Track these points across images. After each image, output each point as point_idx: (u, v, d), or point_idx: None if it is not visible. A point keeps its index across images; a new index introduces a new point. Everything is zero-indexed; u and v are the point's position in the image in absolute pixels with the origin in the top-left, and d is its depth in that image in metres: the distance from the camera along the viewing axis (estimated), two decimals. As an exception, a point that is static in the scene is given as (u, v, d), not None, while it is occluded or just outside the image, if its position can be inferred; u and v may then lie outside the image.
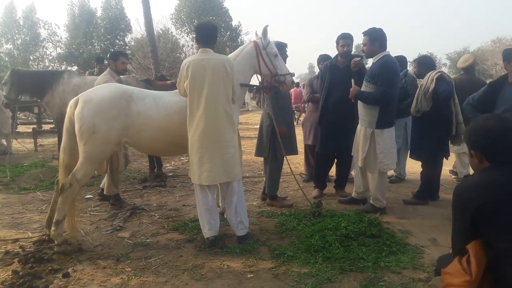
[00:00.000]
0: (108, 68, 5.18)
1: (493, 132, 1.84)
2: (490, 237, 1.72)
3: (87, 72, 9.77)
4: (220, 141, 3.59)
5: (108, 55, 5.52)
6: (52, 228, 3.59)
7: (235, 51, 4.21)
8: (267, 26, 4.06)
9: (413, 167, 6.91)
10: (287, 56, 5.01)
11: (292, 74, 4.03)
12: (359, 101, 4.62)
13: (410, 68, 6.39)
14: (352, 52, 5.44)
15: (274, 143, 4.79)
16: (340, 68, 5.18)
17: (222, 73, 3.53)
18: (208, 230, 3.71)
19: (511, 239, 1.63)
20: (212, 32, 3.74)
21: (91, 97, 3.60)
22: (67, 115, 3.65)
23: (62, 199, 3.56)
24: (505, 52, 4.26)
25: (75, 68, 32.26)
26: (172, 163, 7.89)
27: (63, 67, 32.92)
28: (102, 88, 3.78)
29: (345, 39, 5.12)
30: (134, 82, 6.37)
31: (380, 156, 4.46)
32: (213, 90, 3.52)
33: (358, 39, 4.83)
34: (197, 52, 3.82)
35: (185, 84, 3.62)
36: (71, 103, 3.66)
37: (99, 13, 36.56)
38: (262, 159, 5.30)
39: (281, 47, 4.75)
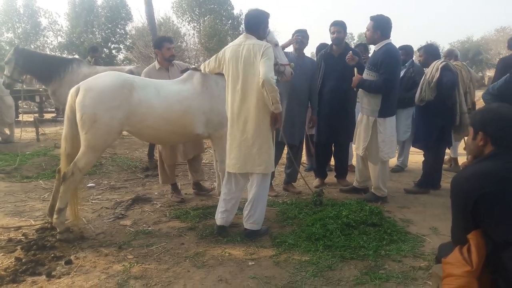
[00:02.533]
0: (155, 61, 5.00)
1: (507, 119, 1.85)
2: (488, 228, 1.71)
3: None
4: (248, 130, 3.52)
5: (152, 46, 5.20)
6: (54, 216, 3.60)
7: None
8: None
9: (415, 156, 6.91)
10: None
11: (291, 66, 3.98)
12: (361, 90, 4.60)
13: (414, 57, 6.33)
14: (354, 41, 5.42)
15: None
16: (334, 56, 5.15)
17: (252, 58, 3.40)
18: (220, 218, 3.73)
19: (510, 231, 1.62)
20: (253, 18, 3.63)
21: (92, 86, 3.57)
22: (68, 104, 3.62)
23: (64, 187, 3.57)
24: None
25: (76, 56, 32.14)
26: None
27: (65, 56, 32.79)
28: (104, 76, 3.75)
29: (336, 26, 5.07)
30: None
31: (381, 145, 4.45)
32: (245, 76, 3.46)
33: (363, 28, 4.77)
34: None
35: (221, 68, 3.67)
36: (72, 91, 3.63)
37: (99, 1, 36.33)
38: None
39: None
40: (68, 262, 3.18)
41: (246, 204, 3.71)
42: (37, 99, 12.35)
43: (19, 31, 35.91)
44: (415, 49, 6.24)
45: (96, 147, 3.61)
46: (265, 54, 3.37)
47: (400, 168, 6.35)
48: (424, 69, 5.28)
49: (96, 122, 3.48)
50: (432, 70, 4.84)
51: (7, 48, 33.79)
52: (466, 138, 2.05)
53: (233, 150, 3.61)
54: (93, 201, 4.85)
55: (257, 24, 3.61)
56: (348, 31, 5.57)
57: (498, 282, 1.69)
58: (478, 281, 1.69)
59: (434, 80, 4.74)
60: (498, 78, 5.73)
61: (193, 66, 4.30)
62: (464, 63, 5.70)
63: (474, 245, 1.72)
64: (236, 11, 36.74)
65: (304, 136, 5.41)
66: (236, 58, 3.50)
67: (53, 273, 3.03)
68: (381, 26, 4.43)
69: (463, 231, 1.81)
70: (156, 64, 4.94)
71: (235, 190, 3.74)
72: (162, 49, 4.84)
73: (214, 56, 3.82)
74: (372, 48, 4.77)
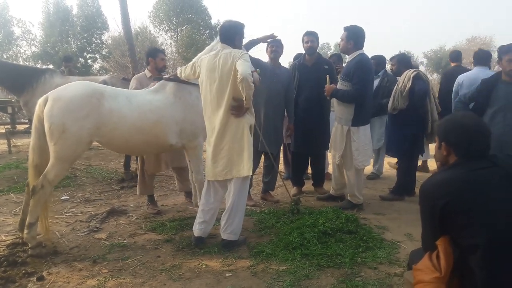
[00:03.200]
0: (146, 69, 5.06)
1: (468, 129, 1.89)
2: (455, 234, 1.76)
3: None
4: (225, 137, 3.57)
5: (146, 54, 5.34)
6: (25, 231, 3.50)
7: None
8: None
9: (390, 163, 7.03)
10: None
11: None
12: (335, 99, 4.67)
13: (387, 66, 6.48)
14: (331, 50, 5.51)
15: None
16: (308, 66, 5.22)
17: (229, 65, 3.47)
18: (197, 229, 3.71)
19: (475, 236, 1.66)
20: (228, 29, 3.68)
21: (60, 95, 3.50)
22: (36, 114, 3.54)
23: (34, 201, 3.46)
24: (499, 49, 4.18)
25: (50, 67, 31.54)
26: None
27: (39, 66, 32.13)
28: (73, 86, 3.67)
29: (308, 36, 5.16)
30: (119, 83, 6.26)
31: (355, 153, 4.52)
32: (221, 84, 3.52)
33: (337, 37, 4.87)
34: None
35: (196, 76, 3.74)
36: (40, 101, 3.55)
37: (75, 10, 35.76)
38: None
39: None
40: (40, 278, 3.10)
41: (224, 213, 3.69)
42: (9, 110, 12.03)
43: (-9, 41, 35.04)
44: (388, 58, 6.38)
45: (66, 158, 3.52)
46: (243, 57, 3.45)
47: (375, 175, 6.44)
48: (397, 78, 5.41)
49: (65, 133, 3.41)
50: (404, 79, 4.96)
51: (-22, 58, 32.93)
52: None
53: (213, 158, 3.63)
54: (67, 214, 4.74)
55: (232, 35, 3.67)
56: (325, 40, 5.71)
57: (465, 286, 1.73)
58: (446, 286, 1.73)
59: (406, 89, 4.86)
60: (444, 90, 6.16)
61: (166, 76, 4.27)
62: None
63: (443, 251, 1.76)
64: (213, 21, 36.75)
65: (281, 145, 5.44)
66: (213, 68, 3.55)
67: (24, 290, 2.94)
68: (354, 37, 4.51)
69: (432, 237, 1.85)
70: (147, 72, 4.98)
71: (213, 201, 3.74)
72: (156, 59, 4.93)
73: (191, 62, 3.86)
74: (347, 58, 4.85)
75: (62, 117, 3.41)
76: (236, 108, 3.53)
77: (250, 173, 3.70)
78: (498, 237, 1.62)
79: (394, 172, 5.68)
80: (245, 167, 3.57)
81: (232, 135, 3.56)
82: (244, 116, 3.58)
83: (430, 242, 1.86)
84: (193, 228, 3.77)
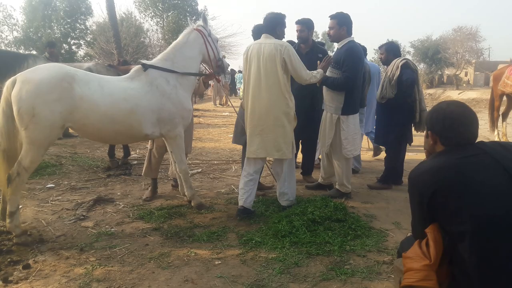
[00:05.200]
0: None
1: (452, 117, 1.88)
2: (444, 221, 1.76)
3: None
4: (267, 120, 3.97)
5: None
6: (7, 220, 3.42)
7: (179, 38, 4.18)
8: (204, 12, 4.15)
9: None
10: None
11: (224, 56, 4.26)
12: (325, 88, 4.65)
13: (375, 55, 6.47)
14: (319, 39, 5.49)
15: None
16: (302, 54, 5.16)
17: (275, 56, 3.87)
18: (239, 199, 4.10)
19: (464, 223, 1.67)
20: (269, 21, 4.06)
21: (29, 78, 3.34)
22: (3, 96, 3.38)
23: (12, 189, 3.37)
24: None
25: (33, 52, 30.81)
26: (138, 151, 7.72)
27: (21, 51, 31.35)
28: (42, 68, 3.51)
29: (298, 24, 5.13)
30: (104, 70, 6.12)
31: (344, 142, 4.51)
32: (266, 72, 3.92)
33: (322, 26, 4.84)
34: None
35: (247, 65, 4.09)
36: (7, 83, 3.38)
37: (57, -5, 34.92)
38: (231, 146, 5.30)
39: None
40: (26, 267, 3.05)
41: (278, 184, 4.31)
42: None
43: (-29, 25, 34.05)
44: (376, 47, 6.37)
45: (39, 143, 3.39)
46: (291, 56, 3.91)
47: (353, 171, 6.18)
48: (385, 66, 5.41)
49: (35, 117, 3.28)
50: (393, 68, 4.96)
51: (-42, 42, 32.02)
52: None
53: (254, 138, 4.03)
54: (53, 202, 4.66)
55: (274, 26, 4.05)
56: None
57: (455, 273, 1.75)
58: (436, 273, 1.74)
59: (394, 78, 4.87)
60: None
61: (143, 61, 4.04)
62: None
63: (432, 239, 1.76)
64: (200, 7, 36.27)
65: None
66: (258, 55, 3.94)
67: (10, 278, 2.90)
68: (346, 22, 4.47)
69: (421, 225, 1.85)
70: None
71: (253, 172, 4.15)
72: None
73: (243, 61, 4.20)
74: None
75: (32, 100, 3.27)
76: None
77: (289, 156, 4.16)
78: (487, 223, 1.63)
79: (381, 162, 5.71)
80: (284, 151, 4.07)
81: (273, 120, 3.97)
82: (285, 104, 4.00)
83: (419, 229, 1.87)
84: (238, 199, 4.13)
